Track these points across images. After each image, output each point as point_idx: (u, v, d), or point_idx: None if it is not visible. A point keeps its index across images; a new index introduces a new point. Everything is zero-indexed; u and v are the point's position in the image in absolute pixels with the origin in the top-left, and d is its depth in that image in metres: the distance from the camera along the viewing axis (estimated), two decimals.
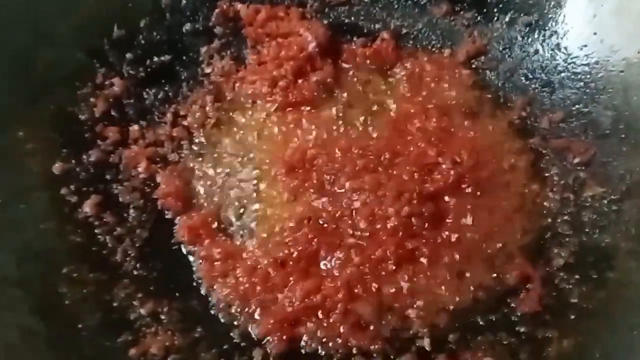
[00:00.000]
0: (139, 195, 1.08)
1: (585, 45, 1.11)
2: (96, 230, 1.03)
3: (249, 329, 0.96)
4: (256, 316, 0.96)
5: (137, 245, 1.03)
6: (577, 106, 1.09)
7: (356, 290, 0.97)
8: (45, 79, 1.11)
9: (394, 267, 0.98)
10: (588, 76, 1.10)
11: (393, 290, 0.97)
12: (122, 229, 1.04)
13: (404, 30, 1.24)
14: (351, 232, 1.02)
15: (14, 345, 0.89)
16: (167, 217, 1.07)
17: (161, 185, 1.09)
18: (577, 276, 0.94)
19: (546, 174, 1.06)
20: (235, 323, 0.96)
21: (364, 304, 0.95)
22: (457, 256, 0.99)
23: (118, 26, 1.18)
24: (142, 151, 1.11)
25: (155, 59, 1.19)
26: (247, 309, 0.97)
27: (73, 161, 1.07)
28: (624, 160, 1.02)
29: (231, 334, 0.95)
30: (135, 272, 1.00)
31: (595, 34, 1.10)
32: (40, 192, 1.03)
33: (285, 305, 0.96)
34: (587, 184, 1.02)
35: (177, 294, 0.99)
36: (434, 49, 1.22)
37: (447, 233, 1.01)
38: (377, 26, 1.25)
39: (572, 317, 0.91)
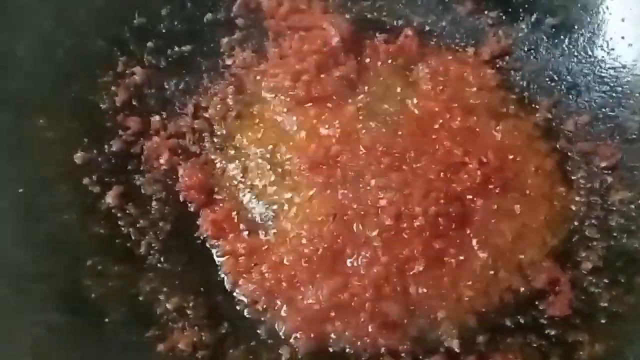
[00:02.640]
0: (161, 187, 1.06)
1: (613, 49, 1.11)
2: (119, 222, 1.01)
3: (276, 326, 0.94)
4: (282, 313, 0.95)
5: (161, 238, 1.01)
6: (603, 110, 1.09)
7: (383, 289, 0.96)
8: (66, 67, 1.09)
9: (421, 267, 0.97)
10: (615, 80, 1.10)
11: (421, 290, 0.96)
12: (145, 221, 1.02)
13: (427, 28, 1.24)
14: (377, 230, 1.01)
15: (41, 342, 0.87)
16: (190, 210, 1.05)
17: (183, 178, 1.07)
18: (605, 280, 0.94)
19: (572, 177, 1.06)
20: (262, 319, 0.95)
21: (391, 304, 0.95)
22: (484, 257, 0.98)
23: (139, 14, 1.17)
24: (164, 142, 1.10)
25: (176, 48, 1.18)
26: (273, 306, 0.96)
27: (95, 151, 1.05)
28: None
29: (258, 331, 0.94)
30: (159, 266, 0.99)
31: (622, 37, 1.11)
32: (62, 182, 1.01)
33: (312, 302, 0.95)
34: (614, 187, 1.02)
35: (202, 289, 0.98)
36: (457, 48, 1.21)
37: (473, 234, 1.00)
38: (400, 22, 1.24)
39: (603, 321, 0.90)
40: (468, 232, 1.01)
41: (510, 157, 1.07)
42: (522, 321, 0.93)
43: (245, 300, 0.97)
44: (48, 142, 1.03)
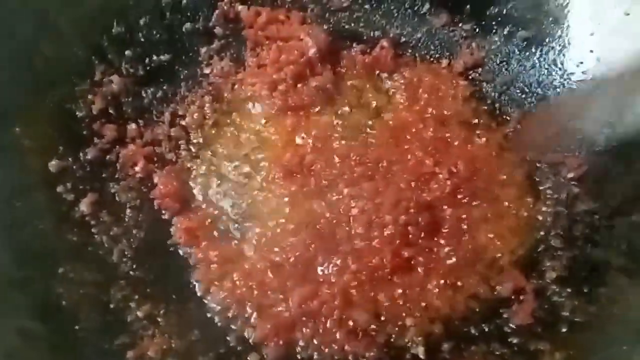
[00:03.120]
0: (135, 194, 1.08)
1: (582, 62, 1.13)
2: (93, 230, 1.02)
3: (246, 333, 0.96)
4: (252, 320, 0.97)
5: (134, 245, 1.03)
6: (571, 122, 1.11)
7: (352, 297, 0.98)
8: (45, 75, 1.10)
9: (390, 276, 0.99)
10: (583, 92, 1.12)
11: (389, 298, 0.98)
12: (118, 229, 1.03)
13: (403, 39, 1.25)
14: (348, 238, 1.03)
15: (15, 349, 0.88)
16: (164, 217, 1.06)
17: (158, 186, 1.09)
18: (569, 290, 0.96)
19: (540, 187, 1.08)
20: (232, 327, 0.97)
21: (360, 311, 0.96)
22: (451, 266, 1.00)
23: (118, 23, 1.18)
24: (140, 150, 1.11)
25: (155, 57, 1.19)
26: (243, 313, 0.97)
27: (70, 159, 1.06)
28: (617, 177, 1.04)
29: (227, 338, 0.96)
30: (131, 273, 1.00)
31: (592, 51, 1.13)
32: (38, 190, 1.02)
33: (282, 310, 0.97)
34: (580, 198, 1.04)
35: (173, 296, 0.99)
36: (432, 59, 1.23)
37: (442, 242, 1.02)
38: (376, 34, 1.25)
39: (564, 330, 0.92)
40: (437, 240, 1.03)
41: (480, 167, 1.09)
42: (486, 329, 0.95)
43: (216, 307, 0.98)
44: (23, 151, 1.04)
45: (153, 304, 0.97)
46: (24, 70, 1.09)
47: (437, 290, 0.99)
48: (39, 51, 1.10)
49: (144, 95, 1.16)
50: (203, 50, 1.22)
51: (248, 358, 0.93)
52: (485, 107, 1.17)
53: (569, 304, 0.95)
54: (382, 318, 0.97)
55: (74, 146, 1.07)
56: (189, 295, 0.99)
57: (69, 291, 0.95)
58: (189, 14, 1.23)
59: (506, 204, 1.06)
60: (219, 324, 0.97)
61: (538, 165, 1.10)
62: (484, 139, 1.13)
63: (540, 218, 1.05)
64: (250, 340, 0.95)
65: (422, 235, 1.02)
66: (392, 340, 0.95)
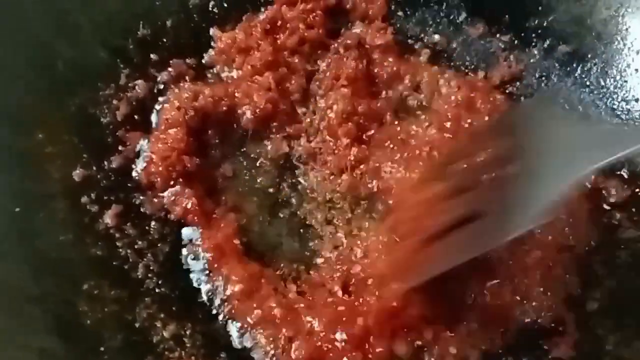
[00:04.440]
0: (161, 205, 1.03)
1: (626, 81, 1.09)
2: (117, 243, 0.99)
3: (274, 358, 0.92)
4: (283, 345, 0.93)
5: (160, 260, 0.99)
6: None
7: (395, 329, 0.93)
8: (66, 79, 1.06)
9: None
10: (627, 112, 1.08)
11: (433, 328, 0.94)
12: (143, 242, 1.00)
13: (438, 48, 1.21)
14: None
15: None
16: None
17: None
18: (612, 321, 0.92)
19: (580, 212, 1.03)
20: (260, 350, 0.93)
21: (401, 343, 0.92)
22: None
23: (143, 25, 1.13)
24: None
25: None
26: (271, 337, 0.93)
27: (94, 167, 1.03)
28: None
29: None
30: (157, 290, 0.97)
31: (636, 70, 1.09)
32: (59, 200, 0.98)
33: (313, 336, 0.93)
34: (623, 225, 1.00)
35: (199, 316, 0.95)
36: (467, 71, 1.19)
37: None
38: (410, 42, 1.21)
39: None
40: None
41: None
42: None
43: (243, 329, 0.94)
44: (46, 158, 1.00)
45: (179, 324, 0.94)
46: (45, 75, 1.05)
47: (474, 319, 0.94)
48: (60, 55, 1.07)
49: None
50: None
51: None
52: None
53: (612, 338, 0.91)
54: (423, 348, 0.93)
55: (98, 154, 1.04)
56: (215, 314, 0.96)
57: (92, 309, 0.92)
58: (216, 17, 1.19)
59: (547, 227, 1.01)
60: (246, 346, 0.93)
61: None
62: None
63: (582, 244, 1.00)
64: None
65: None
66: None
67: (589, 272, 0.98)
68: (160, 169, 1.03)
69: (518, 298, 0.94)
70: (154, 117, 1.10)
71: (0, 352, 0.86)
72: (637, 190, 1.03)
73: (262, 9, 1.18)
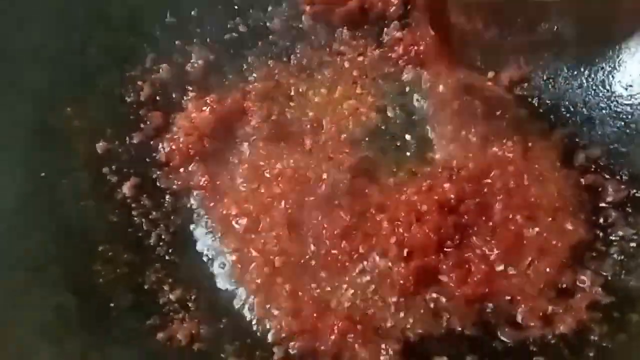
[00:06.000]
0: (175, 181, 1.10)
1: (631, 86, 1.12)
2: (133, 212, 1.06)
3: (273, 327, 0.97)
4: (280, 317, 0.98)
5: (171, 230, 1.06)
6: (615, 145, 1.10)
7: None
8: (97, 61, 1.15)
9: None
10: (630, 117, 1.11)
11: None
12: (157, 214, 1.06)
13: None
14: None
15: (49, 323, 0.92)
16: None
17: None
18: (599, 314, 0.95)
19: (577, 210, 1.06)
20: (260, 319, 0.98)
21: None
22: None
23: (170, 13, 1.21)
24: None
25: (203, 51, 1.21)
26: (272, 309, 0.98)
27: (116, 142, 1.10)
28: None
29: (254, 329, 0.97)
30: (167, 257, 1.03)
31: None
32: (82, 170, 1.07)
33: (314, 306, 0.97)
34: (618, 224, 1.03)
35: (206, 283, 1.01)
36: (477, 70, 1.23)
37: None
38: None
39: (591, 354, 0.91)
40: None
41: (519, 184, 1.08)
42: (511, 346, 0.94)
43: (246, 299, 1.00)
44: (74, 132, 1.08)
45: (185, 289, 1.00)
46: (77, 57, 1.14)
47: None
48: (92, 38, 1.15)
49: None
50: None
51: (274, 350, 0.94)
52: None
53: (598, 329, 0.93)
54: None
55: (121, 130, 1.11)
56: (220, 283, 1.02)
57: (106, 270, 0.99)
58: (241, 8, 1.25)
59: (541, 223, 1.04)
60: (247, 315, 0.99)
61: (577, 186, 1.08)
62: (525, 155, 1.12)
63: (575, 240, 1.03)
64: (277, 335, 0.96)
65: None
66: None
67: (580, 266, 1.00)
68: (181, 145, 1.10)
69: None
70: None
71: (20, 308, 0.93)
72: (635, 192, 1.05)
73: None
